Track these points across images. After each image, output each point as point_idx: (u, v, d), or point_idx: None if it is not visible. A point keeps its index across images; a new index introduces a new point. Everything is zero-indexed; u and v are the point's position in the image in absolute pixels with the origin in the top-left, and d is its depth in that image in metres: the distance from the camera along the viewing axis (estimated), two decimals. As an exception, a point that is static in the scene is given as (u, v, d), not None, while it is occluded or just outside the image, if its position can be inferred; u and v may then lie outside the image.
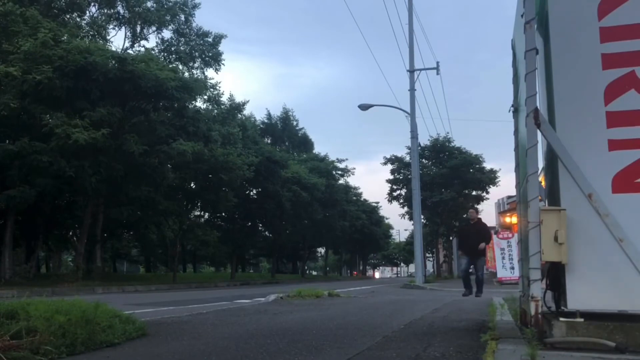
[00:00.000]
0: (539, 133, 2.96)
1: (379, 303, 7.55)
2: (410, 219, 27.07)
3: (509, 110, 4.37)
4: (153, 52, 21.17)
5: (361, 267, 66.07)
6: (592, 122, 2.88)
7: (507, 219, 21.20)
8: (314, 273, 63.98)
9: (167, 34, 24.19)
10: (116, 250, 35.27)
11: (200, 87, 19.54)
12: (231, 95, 28.78)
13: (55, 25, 16.52)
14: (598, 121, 2.87)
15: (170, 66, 19.77)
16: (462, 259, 10.52)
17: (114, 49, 20.02)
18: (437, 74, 21.56)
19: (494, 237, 21.66)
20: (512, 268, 19.11)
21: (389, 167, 34.42)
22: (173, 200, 22.47)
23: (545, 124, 2.93)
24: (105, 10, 22.40)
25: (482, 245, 10.02)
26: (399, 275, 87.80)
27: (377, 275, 67.50)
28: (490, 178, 32.06)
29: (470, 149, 36.62)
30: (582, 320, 2.71)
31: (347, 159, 56.14)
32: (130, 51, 21.80)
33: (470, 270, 10.49)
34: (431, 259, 47.75)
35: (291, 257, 49.11)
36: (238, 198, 24.08)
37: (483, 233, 10.38)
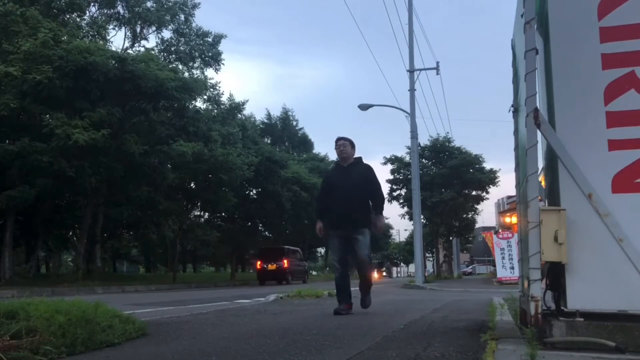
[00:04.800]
0: (539, 133, 2.95)
1: (378, 303, 7.55)
2: (410, 219, 27.09)
3: (509, 110, 4.37)
4: (153, 52, 21.20)
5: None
6: (592, 122, 2.88)
7: (507, 219, 21.20)
8: (314, 273, 63.98)
9: (167, 34, 24.23)
10: (116, 250, 35.30)
11: (200, 87, 19.58)
12: (231, 95, 28.82)
13: (55, 25, 16.53)
14: (598, 121, 2.87)
15: (170, 66, 19.81)
16: (331, 239, 5.52)
17: (114, 49, 20.06)
18: (437, 74, 21.57)
19: (494, 237, 21.69)
20: (512, 268, 19.12)
21: (389, 167, 34.42)
22: (173, 200, 22.51)
23: (545, 124, 2.93)
24: (105, 11, 22.43)
25: (381, 222, 5.43)
26: (399, 275, 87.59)
27: (375, 275, 67.13)
28: (490, 178, 32.03)
29: (470, 149, 36.56)
30: (582, 320, 2.71)
31: (347, 159, 55.92)
32: (130, 51, 21.84)
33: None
34: (431, 259, 47.78)
35: (291, 258, 49.07)
36: (238, 198, 24.10)
37: (367, 185, 5.45)
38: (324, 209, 5.64)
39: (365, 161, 5.68)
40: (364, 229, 5.40)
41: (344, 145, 5.60)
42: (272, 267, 24.00)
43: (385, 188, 44.45)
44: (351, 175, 5.49)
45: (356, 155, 5.73)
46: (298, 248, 29.26)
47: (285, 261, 24.41)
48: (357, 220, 5.36)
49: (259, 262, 25.06)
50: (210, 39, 24.81)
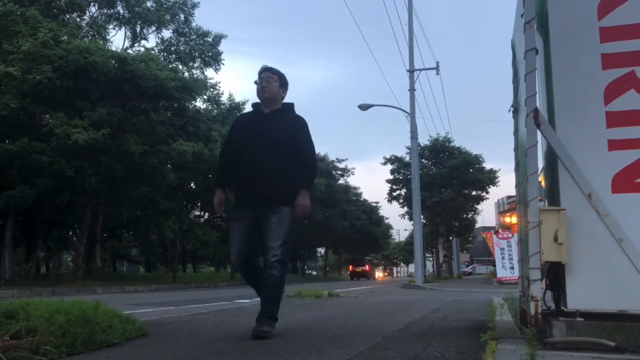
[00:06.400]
0: (539, 133, 2.96)
1: (378, 303, 7.56)
2: (410, 219, 27.10)
3: (509, 110, 4.37)
4: (153, 52, 21.20)
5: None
6: (592, 122, 2.88)
7: (507, 219, 21.21)
8: (314, 273, 64.03)
9: (166, 33, 24.22)
10: (116, 250, 35.30)
11: (200, 87, 19.58)
12: (231, 95, 28.80)
13: (55, 25, 16.54)
14: (598, 121, 2.87)
15: (170, 66, 19.80)
16: (233, 222, 3.75)
17: (114, 49, 20.06)
18: (437, 74, 21.60)
19: (494, 237, 21.69)
20: (512, 268, 19.13)
21: (389, 167, 34.46)
22: (173, 200, 22.51)
23: (545, 124, 2.93)
24: (105, 10, 22.43)
25: (305, 201, 3.60)
26: (399, 275, 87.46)
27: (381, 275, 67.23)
28: (490, 178, 32.06)
29: (470, 149, 36.67)
30: (582, 320, 2.71)
31: (347, 159, 56.04)
32: (130, 51, 21.84)
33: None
34: (431, 259, 47.81)
35: (291, 257, 49.16)
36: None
37: (295, 145, 3.69)
38: (228, 171, 3.84)
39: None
40: (283, 208, 3.58)
41: (269, 79, 3.75)
42: (359, 269, 41.91)
43: (385, 188, 44.30)
44: (273, 126, 3.68)
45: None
46: (371, 257, 49.33)
47: (367, 266, 43.59)
48: (273, 194, 3.56)
49: (350, 266, 43.84)
50: (210, 39, 24.79)
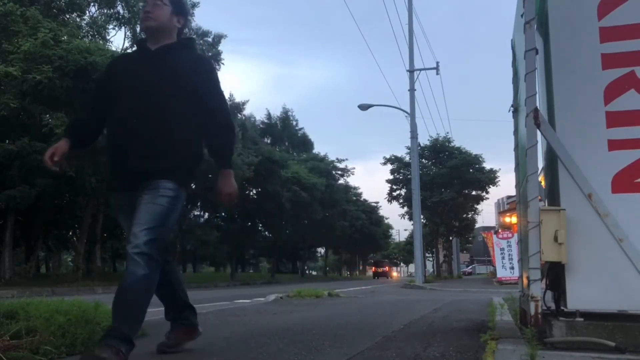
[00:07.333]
0: (539, 133, 2.96)
1: (378, 303, 7.56)
2: (410, 219, 27.10)
3: (509, 110, 4.38)
4: (153, 52, 21.17)
5: (360, 267, 66.11)
6: (591, 122, 2.89)
7: (507, 219, 21.22)
8: (314, 273, 64.04)
9: (167, 33, 24.20)
10: (116, 250, 35.24)
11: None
12: (231, 95, 28.84)
13: (55, 25, 16.54)
14: (598, 121, 2.87)
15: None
16: (116, 211, 2.77)
17: (114, 49, 20.06)
18: (437, 74, 21.61)
19: (494, 237, 21.71)
20: (512, 268, 19.14)
21: (389, 167, 34.49)
22: (173, 200, 22.45)
23: (545, 124, 2.93)
24: (105, 10, 22.42)
25: (230, 184, 2.76)
26: (399, 275, 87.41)
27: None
28: (490, 178, 32.09)
29: (470, 149, 36.73)
30: (582, 320, 2.71)
31: (347, 159, 56.10)
32: (130, 51, 21.80)
33: None
34: (431, 259, 47.83)
35: (291, 257, 49.17)
36: (238, 198, 24.13)
37: (193, 95, 2.52)
38: (88, 121, 2.80)
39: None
40: (164, 183, 2.47)
41: (155, 3, 2.61)
42: (380, 270, 51.98)
43: (385, 188, 44.34)
44: (161, 66, 2.58)
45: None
46: (387, 260, 60.83)
47: (387, 267, 54.01)
48: (150, 163, 2.48)
49: (373, 267, 54.11)
50: (210, 39, 24.81)
